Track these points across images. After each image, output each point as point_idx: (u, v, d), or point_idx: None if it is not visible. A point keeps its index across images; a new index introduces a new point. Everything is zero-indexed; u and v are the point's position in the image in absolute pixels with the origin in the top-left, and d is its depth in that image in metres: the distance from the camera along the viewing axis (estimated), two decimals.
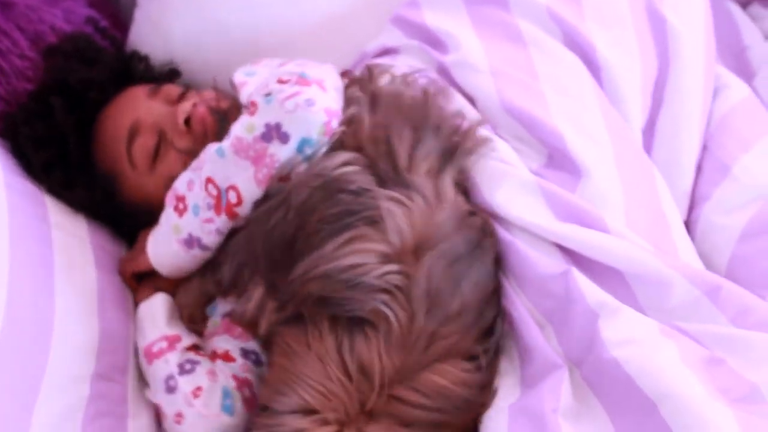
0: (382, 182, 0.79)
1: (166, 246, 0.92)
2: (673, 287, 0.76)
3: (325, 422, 0.72)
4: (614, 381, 0.71)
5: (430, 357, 0.74)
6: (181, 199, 0.90)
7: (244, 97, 0.95)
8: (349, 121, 0.85)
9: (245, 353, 0.91)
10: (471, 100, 0.93)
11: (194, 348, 0.93)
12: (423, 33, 1.02)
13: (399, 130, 0.82)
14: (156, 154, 1.00)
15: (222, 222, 0.87)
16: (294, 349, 0.75)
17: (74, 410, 0.81)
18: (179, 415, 0.86)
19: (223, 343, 0.92)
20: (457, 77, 0.95)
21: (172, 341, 0.92)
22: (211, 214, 0.87)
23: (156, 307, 0.95)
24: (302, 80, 0.86)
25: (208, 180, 0.86)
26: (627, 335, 0.72)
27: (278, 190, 0.82)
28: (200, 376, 0.88)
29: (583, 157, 0.85)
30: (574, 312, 0.76)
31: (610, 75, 0.95)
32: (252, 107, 0.86)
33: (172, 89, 1.05)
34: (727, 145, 0.96)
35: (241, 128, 0.85)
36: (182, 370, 0.89)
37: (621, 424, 0.69)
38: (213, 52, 1.19)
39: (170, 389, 0.88)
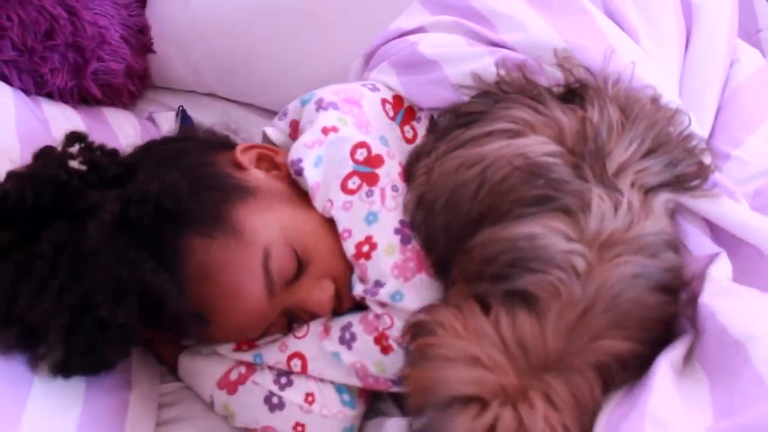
0: (584, 180, 0.74)
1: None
2: None
3: (484, 406, 0.66)
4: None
5: (590, 357, 0.69)
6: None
7: (319, 204, 0.88)
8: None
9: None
10: None
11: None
12: (461, 11, 0.95)
13: (630, 138, 0.77)
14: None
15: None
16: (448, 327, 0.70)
17: None
18: (299, 425, 0.83)
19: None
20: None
21: (250, 364, 0.87)
22: None
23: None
24: (368, 176, 0.84)
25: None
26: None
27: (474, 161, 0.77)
28: (304, 383, 0.85)
29: None
30: None
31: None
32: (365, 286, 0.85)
33: (287, 272, 0.87)
34: (733, 126, 0.95)
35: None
36: (281, 385, 0.85)
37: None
38: (232, 13, 1.18)
39: (275, 407, 0.84)
